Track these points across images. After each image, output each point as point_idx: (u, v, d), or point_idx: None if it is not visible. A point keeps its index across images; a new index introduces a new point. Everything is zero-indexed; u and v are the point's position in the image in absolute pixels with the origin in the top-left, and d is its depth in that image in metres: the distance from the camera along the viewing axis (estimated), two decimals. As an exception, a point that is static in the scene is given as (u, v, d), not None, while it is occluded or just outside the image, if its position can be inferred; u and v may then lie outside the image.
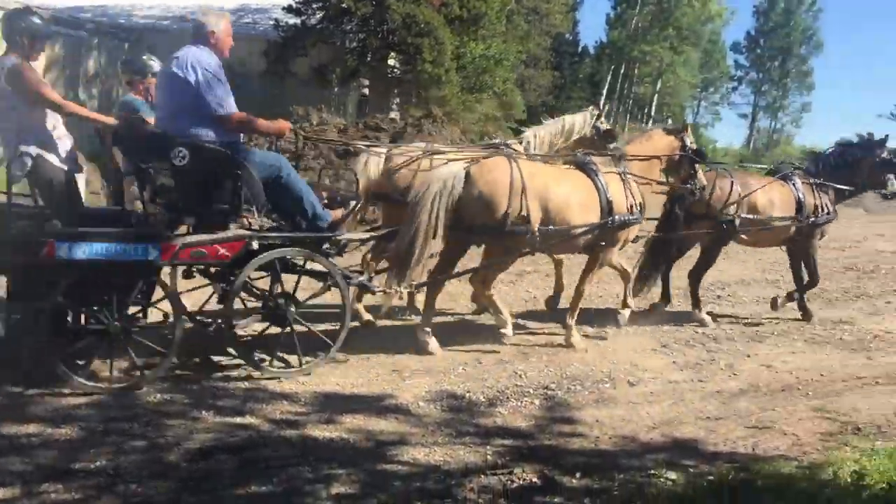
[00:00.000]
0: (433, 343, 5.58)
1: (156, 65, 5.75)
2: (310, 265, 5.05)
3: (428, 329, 5.62)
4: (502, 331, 5.68)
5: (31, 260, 4.27)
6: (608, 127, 7.02)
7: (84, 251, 4.30)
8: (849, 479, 3.56)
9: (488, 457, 3.88)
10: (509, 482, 3.59)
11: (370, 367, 5.21)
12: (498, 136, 15.74)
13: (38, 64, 4.89)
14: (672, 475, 3.68)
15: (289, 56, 18.37)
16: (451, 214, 5.39)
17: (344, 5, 17.77)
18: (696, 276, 7.02)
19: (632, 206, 6.00)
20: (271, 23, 19.23)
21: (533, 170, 5.69)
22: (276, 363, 5.01)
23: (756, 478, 3.65)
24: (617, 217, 5.85)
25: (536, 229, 5.53)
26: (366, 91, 21.69)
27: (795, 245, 7.35)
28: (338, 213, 5.28)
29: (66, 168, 4.75)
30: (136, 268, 4.50)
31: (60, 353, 4.40)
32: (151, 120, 5.15)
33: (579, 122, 6.90)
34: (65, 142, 4.80)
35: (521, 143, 6.72)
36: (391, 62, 20.56)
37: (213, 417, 4.21)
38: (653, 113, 59.69)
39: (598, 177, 5.92)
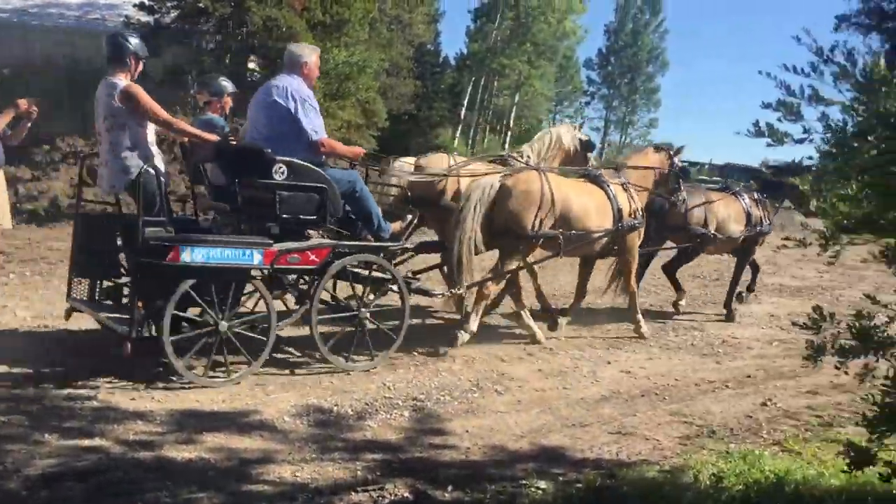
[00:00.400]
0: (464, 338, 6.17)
1: (230, 86, 6.13)
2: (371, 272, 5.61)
3: (471, 329, 6.19)
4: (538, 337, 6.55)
5: (157, 263, 4.67)
6: (587, 138, 7.74)
7: (202, 255, 4.77)
8: (708, 482, 3.68)
9: (358, 472, 3.75)
10: (381, 498, 3.48)
11: (232, 382, 4.96)
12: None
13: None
14: (542, 484, 3.69)
15: (140, 56, 17.49)
16: (488, 222, 6.15)
17: (201, 5, 17.03)
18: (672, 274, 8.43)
19: (635, 212, 6.90)
20: (121, 20, 18.23)
21: (558, 181, 6.37)
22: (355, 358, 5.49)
23: (622, 483, 3.72)
24: (626, 222, 6.71)
25: (561, 234, 6.30)
26: (224, 95, 21.00)
27: (742, 251, 8.45)
28: (396, 225, 6.09)
29: (164, 180, 5.16)
30: (241, 271, 4.98)
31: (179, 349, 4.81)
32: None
33: (565, 134, 7.52)
34: (159, 157, 5.23)
35: (521, 156, 7.26)
36: (251, 66, 20.00)
37: (57, 440, 3.87)
38: (511, 124, 61.35)
39: (609, 187, 6.78)
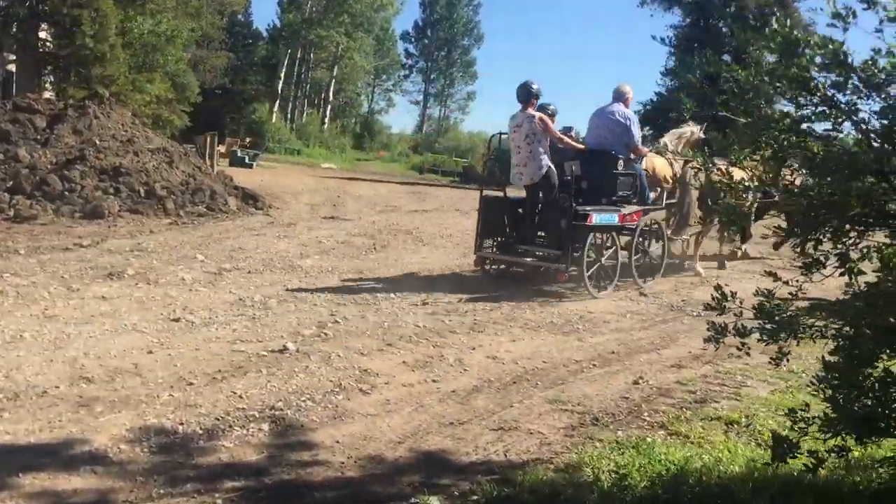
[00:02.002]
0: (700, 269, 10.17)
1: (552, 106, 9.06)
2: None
3: (699, 271, 10.14)
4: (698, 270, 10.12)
5: (581, 224, 7.94)
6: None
7: (598, 218, 8.07)
8: (610, 482, 3.42)
9: (219, 507, 3.18)
10: (251, 540, 2.93)
11: (49, 404, 4.17)
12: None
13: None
14: (435, 501, 3.28)
15: None
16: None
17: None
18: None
19: None
20: None
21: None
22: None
23: (521, 491, 3.38)
24: None
25: None
26: (11, 67, 18.83)
27: None
28: (653, 194, 9.39)
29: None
30: (610, 227, 8.43)
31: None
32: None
33: (695, 129, 10.34)
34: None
35: (661, 146, 10.25)
36: (42, 35, 18.03)
37: None
38: (330, 98, 60.20)
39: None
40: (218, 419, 4.13)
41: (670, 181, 9.69)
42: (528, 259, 8.46)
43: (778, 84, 2.77)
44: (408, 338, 6.01)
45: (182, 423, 4.03)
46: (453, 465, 3.79)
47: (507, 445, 4.03)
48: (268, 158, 36.10)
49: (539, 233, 8.68)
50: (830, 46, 2.57)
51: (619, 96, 8.85)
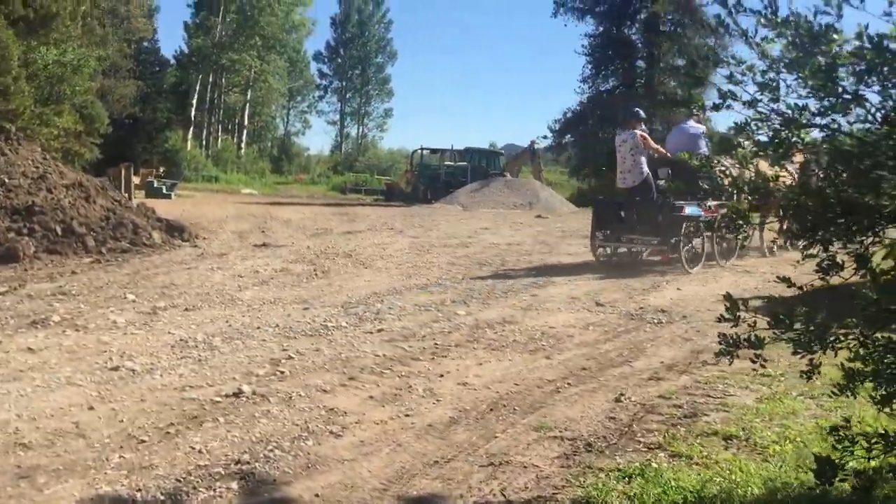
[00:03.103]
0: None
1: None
2: None
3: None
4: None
5: (678, 215, 10.44)
6: None
7: (689, 210, 10.47)
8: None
9: None
10: None
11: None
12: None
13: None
14: (441, 559, 2.94)
15: None
16: None
17: None
18: None
19: None
20: None
21: None
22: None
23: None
24: None
25: None
26: None
27: None
28: None
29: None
30: (696, 217, 10.60)
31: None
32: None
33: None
34: None
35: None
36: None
37: None
38: (245, 122, 59.00)
39: None
40: (179, 481, 3.68)
41: None
42: (633, 246, 11.54)
43: (800, 76, 2.54)
44: (370, 369, 5.63)
45: (139, 490, 3.56)
46: (449, 511, 3.45)
47: (501, 483, 3.71)
48: (185, 187, 34.99)
49: (639, 225, 11.07)
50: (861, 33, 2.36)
51: (692, 116, 11.25)
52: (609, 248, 11.59)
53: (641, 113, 11.27)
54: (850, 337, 2.91)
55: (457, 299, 8.31)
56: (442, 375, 5.53)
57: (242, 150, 55.46)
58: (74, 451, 3.97)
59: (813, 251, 3.14)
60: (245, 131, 58.41)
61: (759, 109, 2.69)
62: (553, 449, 4.15)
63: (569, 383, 5.39)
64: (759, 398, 4.93)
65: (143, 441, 4.14)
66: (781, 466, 3.61)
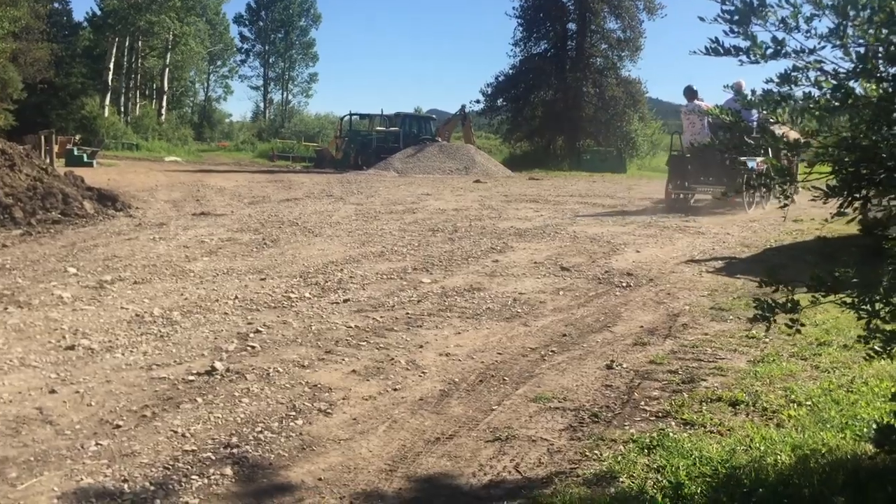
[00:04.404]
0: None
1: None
2: None
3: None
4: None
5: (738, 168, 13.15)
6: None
7: (749, 164, 12.87)
8: (662, 494, 2.98)
9: None
10: None
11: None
12: None
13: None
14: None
15: None
16: None
17: None
18: None
19: None
20: None
21: None
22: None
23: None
24: None
25: None
26: None
27: None
28: None
29: None
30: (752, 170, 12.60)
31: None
32: None
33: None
34: None
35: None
36: None
37: None
38: (165, 87, 56.78)
39: None
40: (167, 468, 3.38)
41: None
42: (704, 190, 14.44)
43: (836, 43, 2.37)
44: (345, 342, 5.36)
45: (126, 480, 3.25)
46: (465, 492, 3.24)
47: (514, 459, 3.52)
48: (106, 156, 33.44)
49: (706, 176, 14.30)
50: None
51: (740, 88, 14.01)
52: (682, 194, 14.85)
53: (695, 87, 14.26)
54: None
55: (418, 266, 8.06)
56: (422, 346, 5.30)
57: (163, 117, 53.46)
58: (44, 440, 3.61)
59: (848, 210, 3.00)
60: (165, 97, 56.30)
61: (816, 59, 2.52)
62: (557, 420, 3.98)
63: (553, 351, 5.23)
64: (752, 361, 4.86)
65: (118, 426, 3.80)
66: (805, 432, 3.51)
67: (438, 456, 3.57)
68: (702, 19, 2.71)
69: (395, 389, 4.46)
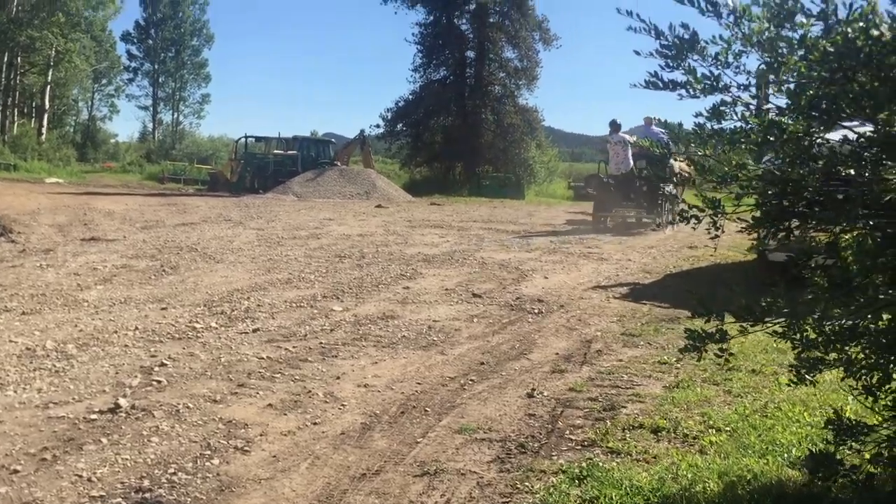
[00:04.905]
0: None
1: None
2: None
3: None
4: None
5: (658, 192, 15.98)
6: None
7: (668, 189, 15.64)
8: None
9: None
10: None
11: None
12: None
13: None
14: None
15: None
16: None
17: None
18: None
19: None
20: None
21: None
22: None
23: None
24: None
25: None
26: None
27: None
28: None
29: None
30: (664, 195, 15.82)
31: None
32: None
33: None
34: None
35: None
36: None
37: None
38: (46, 106, 54.17)
39: None
40: (73, 521, 3.12)
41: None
42: (627, 213, 16.40)
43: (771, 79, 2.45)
44: (258, 374, 5.16)
45: (27, 538, 2.98)
46: (398, 531, 3.13)
47: (444, 494, 3.43)
48: (-20, 176, 31.63)
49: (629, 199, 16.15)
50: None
51: (650, 123, 14.55)
52: (605, 216, 16.76)
53: (619, 121, 16.32)
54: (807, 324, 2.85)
55: (327, 294, 7.89)
56: (339, 377, 5.15)
57: (43, 136, 51.00)
58: (-70, 493, 3.28)
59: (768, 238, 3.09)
60: (45, 116, 53.78)
61: (751, 94, 2.58)
62: (484, 452, 3.92)
63: (472, 379, 5.19)
64: (668, 386, 4.95)
65: (15, 471, 3.50)
66: (728, 458, 3.58)
67: (366, 493, 3.44)
68: (637, 53, 2.74)
69: (315, 423, 4.31)
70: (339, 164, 32.70)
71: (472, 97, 38.66)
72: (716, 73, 2.58)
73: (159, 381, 4.89)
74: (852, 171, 2.71)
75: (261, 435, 4.10)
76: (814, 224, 2.94)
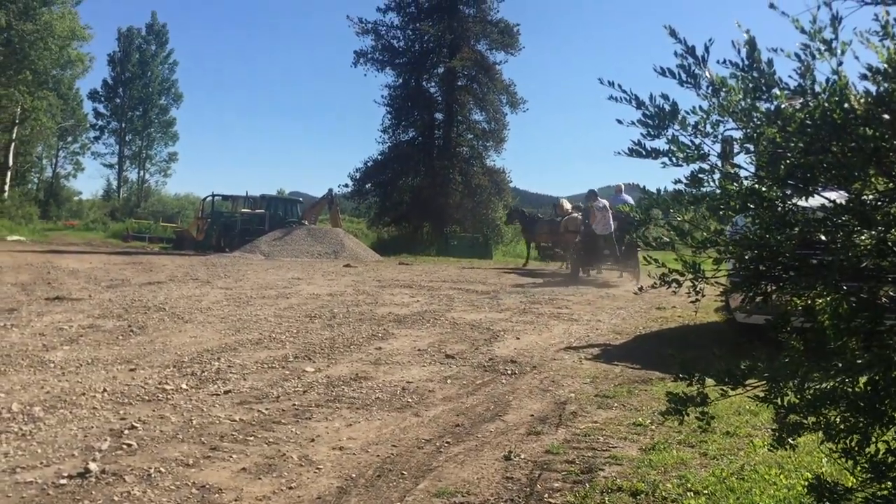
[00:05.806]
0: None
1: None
2: None
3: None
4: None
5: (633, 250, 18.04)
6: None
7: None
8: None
9: None
10: None
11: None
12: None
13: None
14: None
15: None
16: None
17: None
18: None
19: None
20: None
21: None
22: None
23: None
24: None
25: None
26: None
27: None
28: None
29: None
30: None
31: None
32: None
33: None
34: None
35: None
36: None
37: None
38: (10, 163, 53.66)
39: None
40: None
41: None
42: (606, 267, 19.63)
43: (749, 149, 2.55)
44: (231, 437, 5.07)
45: None
46: None
47: (426, 561, 3.38)
48: (-60, 233, 31.08)
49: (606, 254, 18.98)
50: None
51: (620, 191, 20.06)
52: (587, 270, 19.96)
53: (595, 190, 19.54)
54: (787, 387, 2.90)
55: (299, 355, 7.82)
56: (313, 440, 5.09)
57: (6, 194, 50.47)
58: None
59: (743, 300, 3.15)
60: (9, 173, 53.27)
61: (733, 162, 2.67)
62: (465, 517, 3.88)
63: (448, 442, 5.15)
64: (644, 448, 4.95)
65: (-19, 545, 3.38)
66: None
67: (346, 561, 3.38)
68: (620, 122, 2.83)
69: (291, 488, 4.23)
70: (306, 222, 32.73)
71: (441, 158, 39.16)
72: (696, 142, 2.66)
73: (129, 445, 4.79)
74: (824, 238, 2.80)
75: (235, 500, 4.02)
76: (789, 288, 3.02)
